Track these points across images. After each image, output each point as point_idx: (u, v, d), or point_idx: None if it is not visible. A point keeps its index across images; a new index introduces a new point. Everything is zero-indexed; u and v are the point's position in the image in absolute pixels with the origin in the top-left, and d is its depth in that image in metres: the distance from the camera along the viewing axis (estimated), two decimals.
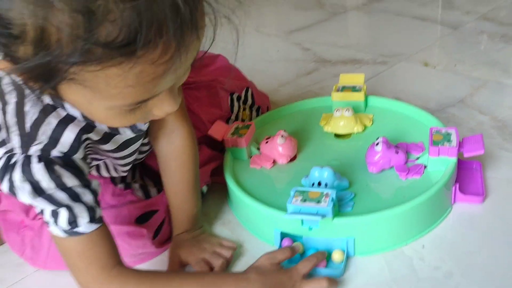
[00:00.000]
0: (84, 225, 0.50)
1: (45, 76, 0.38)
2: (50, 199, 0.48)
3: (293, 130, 0.77)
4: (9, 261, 0.68)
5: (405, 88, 0.95)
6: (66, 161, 0.49)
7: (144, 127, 0.57)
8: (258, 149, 0.75)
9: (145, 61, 0.36)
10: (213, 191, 0.74)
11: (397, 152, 0.66)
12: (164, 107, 0.45)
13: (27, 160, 0.47)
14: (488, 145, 0.72)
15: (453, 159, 0.63)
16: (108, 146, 0.55)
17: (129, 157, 0.60)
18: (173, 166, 0.63)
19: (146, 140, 0.62)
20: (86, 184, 0.50)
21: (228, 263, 0.61)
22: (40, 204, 0.48)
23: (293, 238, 0.61)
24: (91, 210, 0.50)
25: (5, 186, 0.49)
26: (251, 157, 0.74)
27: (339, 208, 0.60)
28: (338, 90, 0.81)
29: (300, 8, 1.54)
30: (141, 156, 0.65)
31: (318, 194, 0.58)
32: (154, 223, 0.63)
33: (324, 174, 0.62)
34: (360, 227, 0.58)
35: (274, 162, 0.72)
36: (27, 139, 0.47)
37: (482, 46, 1.09)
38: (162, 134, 0.62)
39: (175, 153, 0.62)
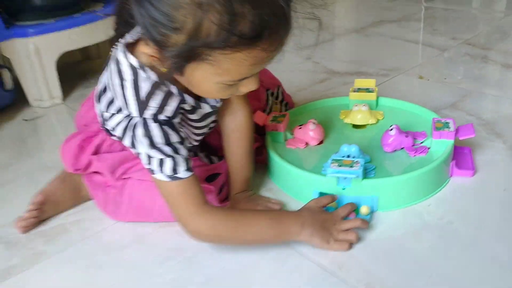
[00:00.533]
0: (183, 172, 0.65)
1: (187, 56, 0.54)
2: (160, 150, 0.64)
3: (318, 121, 0.94)
4: (93, 215, 0.82)
5: (405, 95, 1.13)
6: (169, 123, 0.65)
7: (218, 104, 0.74)
8: (292, 134, 0.92)
9: (260, 50, 0.54)
10: (255, 168, 0.90)
11: (406, 136, 0.84)
12: (249, 86, 0.62)
13: (145, 121, 0.63)
14: (475, 137, 0.91)
15: (451, 141, 0.81)
16: (194, 116, 0.71)
17: (204, 128, 0.76)
18: (235, 138, 0.79)
19: (216, 119, 0.78)
20: (181, 141, 0.66)
21: None
22: (153, 154, 0.64)
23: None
24: (186, 161, 0.66)
25: (127, 140, 0.65)
26: (286, 140, 0.91)
27: (365, 175, 0.77)
28: (354, 91, 1.00)
29: (306, 30, 1.73)
30: (209, 131, 0.81)
31: (350, 162, 0.75)
32: (218, 183, 0.79)
33: (352, 149, 0.80)
34: (383, 187, 0.75)
35: (306, 144, 0.90)
36: (142, 106, 0.63)
37: (466, 64, 1.30)
38: (228, 113, 0.78)
39: (237, 128, 0.79)
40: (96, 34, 1.35)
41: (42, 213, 0.81)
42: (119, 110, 0.66)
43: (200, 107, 0.71)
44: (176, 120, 0.66)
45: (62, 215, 0.83)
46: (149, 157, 0.65)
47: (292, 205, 0.80)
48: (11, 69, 1.28)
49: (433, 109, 1.03)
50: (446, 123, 0.84)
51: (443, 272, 0.63)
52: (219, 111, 0.78)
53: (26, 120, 1.25)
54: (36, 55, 1.25)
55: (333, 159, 0.77)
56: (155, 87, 0.63)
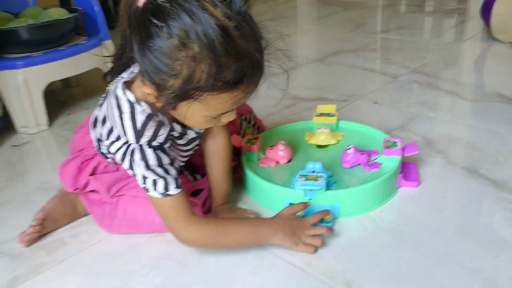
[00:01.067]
0: (173, 189, 0.77)
1: (181, 97, 0.67)
2: (154, 172, 0.75)
3: (287, 142, 1.07)
4: (88, 229, 0.92)
5: (361, 118, 1.29)
6: (161, 148, 0.77)
7: (201, 130, 0.86)
8: (264, 154, 1.05)
9: (241, 91, 0.67)
10: (233, 184, 1.02)
11: (362, 154, 0.99)
12: (229, 117, 0.75)
13: (141, 147, 0.75)
14: (420, 154, 1.06)
15: (398, 157, 0.96)
16: (181, 141, 0.83)
17: (190, 150, 0.88)
18: (216, 158, 0.91)
19: (199, 142, 0.90)
20: (172, 163, 0.78)
21: None
22: (148, 175, 0.75)
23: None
24: (176, 180, 0.77)
25: (126, 164, 0.76)
26: (259, 160, 1.04)
27: (327, 187, 0.91)
28: (317, 115, 1.14)
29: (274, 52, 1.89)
30: (193, 152, 0.93)
31: (315, 176, 0.89)
32: (202, 197, 0.90)
33: (316, 166, 0.93)
34: (342, 197, 0.89)
35: (277, 162, 1.03)
36: (139, 134, 0.75)
37: (414, 90, 1.47)
38: (210, 137, 0.90)
39: (217, 149, 0.91)
40: (79, 65, 1.46)
41: (43, 229, 0.90)
42: (118, 138, 0.77)
43: (186, 134, 0.83)
44: (167, 145, 0.78)
45: (60, 230, 0.93)
46: (145, 177, 0.76)
47: (265, 214, 0.92)
48: (0, 99, 1.37)
49: (385, 130, 1.18)
50: (394, 142, 0.99)
51: (392, 265, 0.77)
52: (201, 136, 0.91)
53: (14, 146, 1.33)
54: (25, 86, 1.34)
55: (300, 174, 0.90)
56: (149, 118, 0.75)
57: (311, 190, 0.87)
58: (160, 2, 0.63)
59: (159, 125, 0.76)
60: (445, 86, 1.49)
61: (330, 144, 1.08)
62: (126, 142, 0.76)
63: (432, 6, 2.67)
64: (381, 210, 0.91)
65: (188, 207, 0.78)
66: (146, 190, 0.77)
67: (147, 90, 0.69)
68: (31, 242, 0.89)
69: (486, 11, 1.84)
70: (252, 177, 0.96)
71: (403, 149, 0.98)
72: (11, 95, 1.36)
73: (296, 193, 0.89)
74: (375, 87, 1.52)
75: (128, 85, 0.77)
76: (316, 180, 0.88)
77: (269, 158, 1.03)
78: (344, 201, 0.89)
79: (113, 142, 0.78)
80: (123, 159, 0.77)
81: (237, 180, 1.03)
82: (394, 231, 0.85)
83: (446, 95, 1.42)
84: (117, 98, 0.76)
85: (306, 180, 0.88)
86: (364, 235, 0.85)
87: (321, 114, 1.15)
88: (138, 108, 0.75)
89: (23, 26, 1.36)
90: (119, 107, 0.75)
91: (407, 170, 1.01)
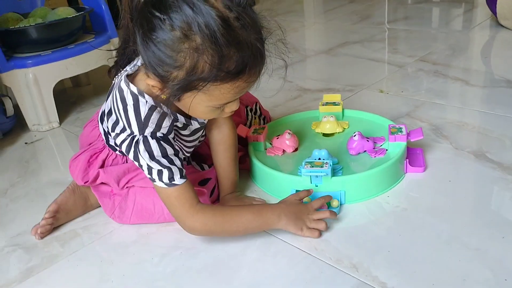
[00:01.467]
0: (178, 179, 0.78)
1: (185, 87, 0.68)
2: (159, 162, 0.77)
3: (293, 131, 1.09)
4: (99, 221, 0.94)
5: (368, 107, 1.30)
6: (165, 139, 0.78)
7: (205, 121, 0.87)
8: (271, 143, 1.06)
9: (243, 81, 0.68)
10: (240, 174, 1.03)
11: (368, 141, 0.99)
12: (232, 107, 0.76)
13: (145, 138, 0.76)
14: (426, 139, 1.07)
15: (404, 143, 0.96)
16: (185, 132, 0.85)
17: (195, 141, 0.89)
18: (222, 147, 0.92)
19: (204, 133, 0.92)
20: (176, 153, 0.79)
21: None
22: (153, 165, 0.76)
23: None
24: (181, 170, 0.79)
25: (131, 155, 0.78)
26: (265, 149, 1.05)
27: (334, 174, 0.92)
28: (323, 105, 1.15)
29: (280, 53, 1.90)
30: (199, 143, 0.94)
31: (321, 163, 0.90)
32: (209, 186, 0.92)
33: (322, 153, 0.94)
34: (348, 183, 0.90)
35: (284, 151, 1.04)
36: (142, 126, 0.76)
37: (420, 79, 1.47)
38: (215, 127, 0.92)
39: (223, 139, 0.92)
40: (88, 63, 1.48)
41: (56, 221, 0.92)
42: (123, 130, 0.79)
43: (190, 124, 0.85)
44: (171, 136, 0.79)
45: (73, 222, 0.95)
46: (150, 168, 0.77)
47: (273, 202, 0.93)
48: (11, 97, 1.40)
49: (391, 118, 1.19)
50: (400, 128, 0.99)
51: (398, 248, 0.77)
52: (206, 126, 0.92)
53: (27, 143, 1.36)
54: (35, 84, 1.37)
55: (306, 162, 0.91)
56: (152, 110, 0.76)
57: (317, 176, 0.88)
58: None
59: (163, 116, 0.77)
60: (452, 73, 1.48)
61: (336, 133, 1.09)
62: (131, 134, 0.77)
63: None
64: (387, 195, 0.92)
65: (193, 196, 0.80)
66: (152, 180, 0.79)
67: (151, 82, 0.70)
68: (44, 234, 0.91)
69: None
70: (259, 166, 0.97)
71: (409, 134, 0.98)
72: (22, 93, 1.39)
73: (303, 180, 0.90)
74: (381, 76, 1.53)
75: (131, 78, 0.78)
76: (322, 166, 0.89)
77: (276, 147, 1.04)
78: (350, 186, 0.90)
79: (118, 134, 0.80)
80: (128, 150, 0.78)
81: (245, 169, 1.04)
82: (401, 215, 0.86)
83: (452, 82, 1.42)
84: (121, 91, 0.77)
85: (312, 166, 0.89)
86: (371, 220, 0.85)
87: (327, 103, 1.15)
88: (141, 100, 0.76)
89: (31, 25, 1.38)
90: (123, 99, 0.77)
91: (413, 155, 1.01)
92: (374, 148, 0.99)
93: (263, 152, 1.04)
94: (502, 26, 1.85)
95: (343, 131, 1.09)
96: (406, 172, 0.98)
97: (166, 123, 0.78)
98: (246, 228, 0.81)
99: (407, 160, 0.97)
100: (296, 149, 1.04)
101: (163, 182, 0.78)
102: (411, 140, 0.98)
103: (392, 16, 2.34)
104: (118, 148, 0.88)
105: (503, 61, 1.57)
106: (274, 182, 0.95)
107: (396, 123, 1.07)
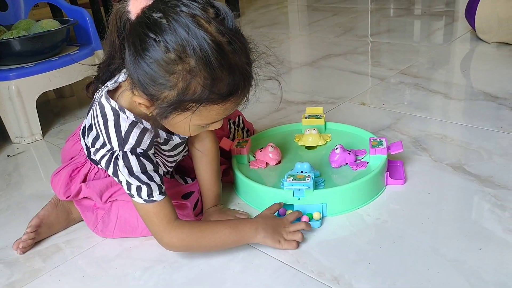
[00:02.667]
0: (157, 196, 0.78)
1: (176, 108, 0.69)
2: (138, 178, 0.77)
3: (276, 144, 1.10)
4: (82, 235, 0.94)
5: (350, 120, 1.32)
6: (145, 155, 0.78)
7: (186, 137, 0.88)
8: (254, 156, 1.07)
9: (231, 102, 0.70)
10: (224, 187, 1.04)
11: (349, 154, 1.01)
12: (216, 125, 0.77)
13: (124, 154, 0.77)
14: (406, 152, 1.09)
15: (384, 156, 0.98)
16: (166, 147, 0.86)
17: (177, 156, 0.90)
18: (204, 160, 0.93)
19: (186, 148, 0.92)
20: (156, 169, 0.79)
21: None
22: (132, 181, 0.77)
23: (286, 207, 0.92)
24: (160, 187, 0.79)
25: (110, 171, 0.78)
26: (249, 162, 1.06)
27: (316, 187, 0.93)
28: (306, 118, 1.17)
29: (264, 65, 1.92)
30: (182, 158, 0.95)
31: (303, 176, 0.91)
32: (192, 200, 0.92)
33: (304, 166, 0.95)
34: (330, 196, 0.91)
35: (267, 164, 1.05)
36: (122, 142, 0.76)
37: (401, 91, 1.50)
38: (197, 140, 0.93)
39: (206, 152, 0.93)
40: (72, 75, 1.48)
41: (38, 235, 0.92)
42: (103, 145, 0.79)
43: (171, 139, 0.85)
44: (151, 152, 0.80)
45: (55, 236, 0.95)
46: (129, 184, 0.77)
47: (256, 215, 0.94)
48: None
49: (373, 131, 1.21)
50: (380, 141, 1.01)
51: (379, 260, 0.79)
52: (189, 140, 0.93)
53: (9, 156, 1.35)
54: (18, 96, 1.37)
55: (289, 175, 0.92)
56: (132, 126, 0.77)
57: (299, 189, 0.89)
58: (156, 17, 0.65)
59: (143, 132, 0.77)
60: (431, 86, 1.51)
61: (318, 145, 1.10)
62: (111, 149, 0.77)
63: (420, 9, 2.71)
64: (369, 208, 0.93)
65: (172, 213, 0.80)
66: (131, 196, 0.79)
67: (139, 100, 0.71)
68: (26, 249, 0.90)
69: (470, 12, 1.88)
70: (242, 179, 0.98)
71: (389, 147, 1.00)
72: (4, 105, 1.38)
73: (285, 193, 0.91)
74: (363, 89, 1.55)
75: (111, 93, 0.79)
76: (304, 179, 0.90)
77: (259, 160, 1.05)
78: (332, 199, 0.91)
79: (98, 150, 0.80)
80: (107, 166, 0.78)
81: (229, 182, 1.05)
82: (381, 227, 0.87)
83: (432, 95, 1.45)
84: (101, 106, 0.78)
85: (294, 180, 0.90)
86: (352, 232, 0.87)
87: (309, 116, 1.17)
88: (122, 116, 0.76)
89: (15, 38, 1.38)
90: (103, 115, 0.77)
91: (393, 168, 1.03)
92: (355, 161, 1.01)
93: (247, 165, 1.05)
94: (480, 39, 1.90)
95: (325, 144, 1.11)
96: (387, 184, 0.99)
97: (147, 139, 0.78)
98: (223, 243, 0.82)
99: (388, 172, 0.99)
100: (279, 162, 1.06)
101: (141, 198, 0.78)
102: (391, 153, 1.00)
103: (375, 29, 2.38)
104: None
105: (481, 74, 1.61)
106: (257, 195, 0.96)
107: (377, 135, 1.09)
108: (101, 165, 0.83)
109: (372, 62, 1.84)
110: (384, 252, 0.80)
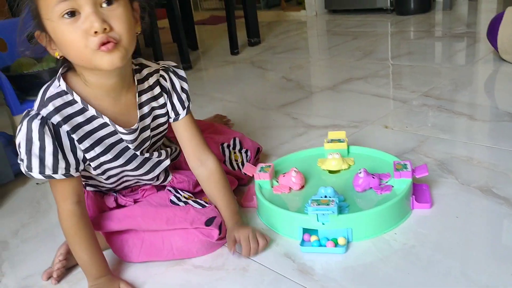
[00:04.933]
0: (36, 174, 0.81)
1: (39, 23, 0.76)
2: (27, 147, 0.79)
3: (299, 169, 1.10)
4: (109, 260, 0.94)
5: (373, 143, 1.31)
6: (56, 129, 0.79)
7: (133, 135, 0.88)
8: (277, 181, 1.07)
9: None
10: (245, 212, 1.04)
11: (373, 177, 1.00)
12: (86, 22, 0.72)
13: (36, 115, 0.79)
14: (432, 175, 1.08)
15: (409, 180, 0.97)
16: (109, 155, 0.87)
17: (141, 173, 0.94)
18: (212, 181, 0.96)
19: (166, 169, 0.98)
20: (55, 155, 0.79)
21: (267, 242, 0.90)
22: (22, 146, 0.79)
23: (311, 232, 0.92)
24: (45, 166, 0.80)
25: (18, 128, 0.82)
26: (272, 187, 1.06)
27: (340, 211, 0.92)
28: (328, 142, 1.17)
29: (285, 90, 1.94)
30: (154, 182, 0.99)
31: (327, 201, 0.91)
32: (216, 224, 0.92)
33: (328, 190, 0.95)
34: (355, 221, 0.90)
35: (290, 189, 1.05)
36: (42, 103, 0.80)
37: (424, 114, 1.49)
38: (198, 165, 0.96)
39: (211, 174, 0.96)
40: None
41: (68, 262, 0.93)
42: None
43: (106, 125, 0.84)
44: (67, 128, 0.80)
45: None
46: (20, 145, 0.79)
47: (280, 240, 0.94)
48: None
49: (397, 154, 1.20)
50: (405, 164, 1.00)
51: (407, 287, 0.77)
52: (192, 167, 0.96)
53: (38, 184, 1.38)
54: None
55: (312, 200, 0.92)
56: (59, 94, 0.81)
57: (323, 214, 0.89)
58: None
59: (68, 103, 0.80)
60: (455, 108, 1.50)
61: (341, 169, 1.10)
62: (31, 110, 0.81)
63: (441, 31, 2.71)
64: (395, 232, 0.92)
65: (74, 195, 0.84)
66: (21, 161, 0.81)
67: (43, 42, 0.79)
68: (60, 277, 0.91)
69: (492, 33, 1.87)
70: (266, 204, 0.98)
71: (414, 171, 0.99)
72: None
73: (310, 218, 0.91)
74: (385, 112, 1.55)
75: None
76: (328, 204, 0.89)
77: (282, 185, 1.06)
78: (357, 224, 0.90)
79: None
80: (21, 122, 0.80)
81: (252, 207, 1.05)
82: (409, 253, 0.86)
83: (456, 117, 1.43)
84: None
85: (318, 204, 0.90)
86: (379, 258, 0.85)
87: (332, 140, 1.17)
88: (55, 83, 0.82)
89: (44, 69, 1.43)
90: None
91: (419, 191, 1.02)
92: (380, 185, 1.00)
93: (270, 190, 1.05)
94: (504, 60, 1.88)
95: (349, 168, 1.10)
96: (413, 208, 0.98)
97: (68, 110, 0.80)
98: (77, 256, 0.86)
99: (414, 196, 0.98)
100: (302, 187, 1.05)
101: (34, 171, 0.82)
102: (417, 177, 0.99)
103: (395, 51, 2.39)
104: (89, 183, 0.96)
105: (506, 94, 1.59)
106: (281, 220, 0.96)
107: (402, 158, 1.08)
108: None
109: (393, 85, 1.83)
110: (413, 279, 0.79)
